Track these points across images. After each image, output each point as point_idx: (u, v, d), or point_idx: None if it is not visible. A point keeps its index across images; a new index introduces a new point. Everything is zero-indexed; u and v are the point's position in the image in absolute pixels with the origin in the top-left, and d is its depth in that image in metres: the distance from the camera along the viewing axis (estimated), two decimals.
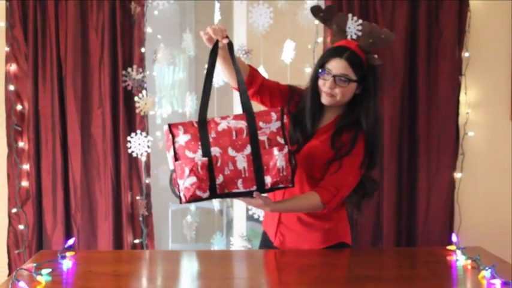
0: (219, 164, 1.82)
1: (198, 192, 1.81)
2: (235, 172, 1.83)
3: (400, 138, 3.16)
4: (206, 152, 1.81)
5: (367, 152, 2.05)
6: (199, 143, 1.82)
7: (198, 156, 1.81)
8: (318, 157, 2.05)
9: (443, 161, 3.16)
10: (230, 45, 1.93)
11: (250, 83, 2.11)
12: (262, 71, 3.14)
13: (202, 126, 1.84)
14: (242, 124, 1.85)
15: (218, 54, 1.94)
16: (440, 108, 3.13)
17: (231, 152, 1.83)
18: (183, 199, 1.83)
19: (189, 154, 1.82)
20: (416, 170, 3.16)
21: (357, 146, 2.03)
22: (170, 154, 1.85)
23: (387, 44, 2.05)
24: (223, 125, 1.85)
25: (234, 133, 1.84)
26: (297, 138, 2.08)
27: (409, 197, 3.19)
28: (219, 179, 1.82)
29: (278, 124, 1.87)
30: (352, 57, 1.99)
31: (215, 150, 1.82)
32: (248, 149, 1.84)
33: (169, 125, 1.83)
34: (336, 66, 1.99)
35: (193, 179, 1.79)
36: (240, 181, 1.84)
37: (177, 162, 1.81)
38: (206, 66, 1.92)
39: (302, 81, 2.25)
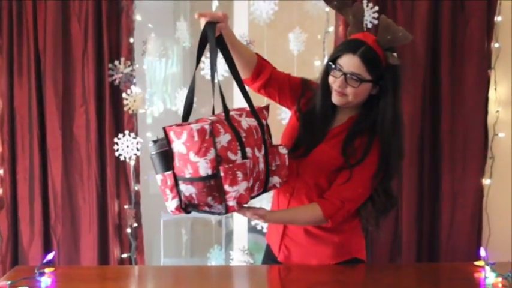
0: (251, 166, 1.80)
1: (249, 199, 1.78)
2: (258, 174, 1.84)
3: (421, 140, 3.15)
4: (245, 153, 1.78)
5: (381, 162, 2.01)
6: (238, 143, 1.77)
7: (239, 159, 1.76)
8: (326, 164, 2.04)
9: (470, 165, 3.15)
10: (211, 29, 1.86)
11: (257, 74, 2.10)
12: None
13: (232, 123, 1.79)
14: (254, 122, 1.88)
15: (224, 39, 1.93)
16: (467, 107, 3.12)
17: (257, 152, 1.83)
18: (235, 207, 1.75)
19: (232, 156, 1.74)
20: (439, 176, 3.16)
21: (371, 154, 2.01)
22: (207, 158, 1.71)
23: (405, 43, 2.02)
24: (244, 123, 1.84)
25: (254, 132, 1.85)
26: (306, 141, 2.07)
27: (431, 206, 3.18)
28: (250, 183, 1.80)
29: (265, 122, 1.94)
30: (367, 54, 1.94)
31: (249, 151, 1.80)
32: (263, 149, 1.86)
33: (213, 123, 1.71)
34: (348, 63, 1.95)
35: (245, 183, 1.74)
36: (257, 184, 1.85)
37: (225, 167, 1.71)
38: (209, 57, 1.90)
39: (310, 75, 2.24)
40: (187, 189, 1.75)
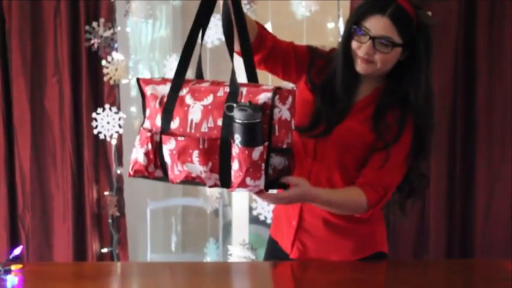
0: None
1: None
2: None
3: (453, 119, 3.14)
4: None
5: (416, 139, 2.04)
6: None
7: None
8: (354, 142, 2.05)
9: (509, 147, 3.14)
10: None
11: (258, 46, 2.08)
12: (270, 28, 3.11)
13: None
14: None
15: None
16: (507, 77, 3.10)
17: None
18: None
19: None
20: (473, 162, 3.16)
21: (406, 130, 2.03)
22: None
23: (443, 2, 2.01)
24: None
25: None
26: (328, 117, 2.06)
27: (463, 195, 3.18)
28: None
29: None
30: (397, 13, 1.95)
31: None
32: None
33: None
34: (376, 25, 1.95)
35: None
36: None
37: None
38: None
39: (323, 39, 2.23)
40: (280, 162, 1.83)
